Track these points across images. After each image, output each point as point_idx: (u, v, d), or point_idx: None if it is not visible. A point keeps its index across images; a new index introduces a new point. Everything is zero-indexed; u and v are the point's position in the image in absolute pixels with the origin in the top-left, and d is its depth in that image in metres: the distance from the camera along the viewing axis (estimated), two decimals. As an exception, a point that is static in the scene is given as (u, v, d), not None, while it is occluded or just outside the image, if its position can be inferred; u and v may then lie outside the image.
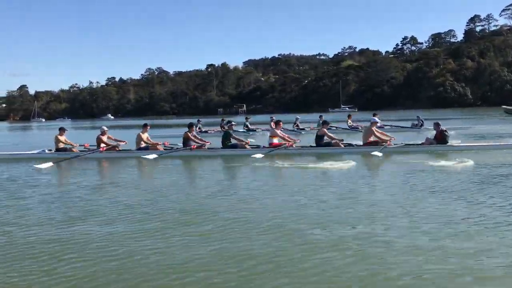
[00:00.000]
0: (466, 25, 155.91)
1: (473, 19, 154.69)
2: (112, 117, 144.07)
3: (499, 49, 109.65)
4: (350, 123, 26.89)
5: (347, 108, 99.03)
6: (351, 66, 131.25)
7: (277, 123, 16.13)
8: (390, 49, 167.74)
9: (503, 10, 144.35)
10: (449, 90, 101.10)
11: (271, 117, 29.46)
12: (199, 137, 16.77)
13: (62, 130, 16.60)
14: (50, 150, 16.27)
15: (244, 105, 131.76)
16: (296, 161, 13.09)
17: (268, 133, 17.69)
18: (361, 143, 15.21)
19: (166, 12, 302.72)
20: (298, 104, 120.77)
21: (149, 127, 16.61)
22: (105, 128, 16.40)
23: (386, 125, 25.54)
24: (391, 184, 9.08)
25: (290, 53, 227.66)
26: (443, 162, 11.42)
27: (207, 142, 16.00)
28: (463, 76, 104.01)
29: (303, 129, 27.33)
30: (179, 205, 7.52)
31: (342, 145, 14.97)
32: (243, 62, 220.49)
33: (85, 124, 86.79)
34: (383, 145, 14.33)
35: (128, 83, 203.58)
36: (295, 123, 28.08)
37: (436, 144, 14.28)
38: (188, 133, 15.75)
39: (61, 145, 16.38)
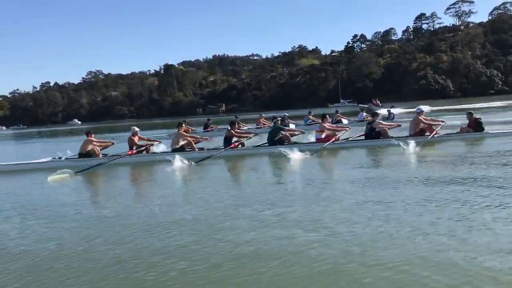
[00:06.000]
0: (414, 23, 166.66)
1: (420, 18, 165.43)
2: (79, 122, 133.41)
3: (465, 43, 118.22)
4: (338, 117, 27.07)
5: (346, 103, 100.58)
6: (326, 62, 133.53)
7: (323, 117, 15.68)
8: (330, 48, 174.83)
9: (448, 9, 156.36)
10: (432, 82, 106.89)
11: (260, 114, 30.08)
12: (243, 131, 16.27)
13: (89, 133, 14.64)
14: (60, 157, 14.39)
15: (224, 105, 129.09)
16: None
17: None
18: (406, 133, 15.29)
19: (95, 14, 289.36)
20: (278, 102, 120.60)
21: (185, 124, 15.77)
22: (136, 129, 14.80)
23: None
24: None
25: (224, 54, 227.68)
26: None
27: (252, 133, 15.84)
28: (441, 69, 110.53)
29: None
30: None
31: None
32: (178, 64, 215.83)
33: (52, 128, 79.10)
34: (428, 135, 14.52)
35: (67, 87, 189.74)
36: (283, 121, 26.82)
37: (473, 132, 14.76)
38: (231, 130, 14.81)
39: (89, 148, 14.26)
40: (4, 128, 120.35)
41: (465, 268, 4.03)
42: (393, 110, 29.21)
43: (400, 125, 15.98)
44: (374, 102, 49.34)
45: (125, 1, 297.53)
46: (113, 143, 15.21)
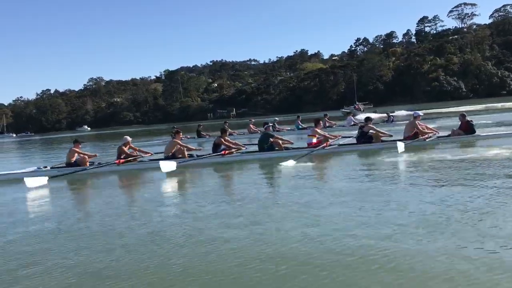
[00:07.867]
0: (417, 26, 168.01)
1: (422, 20, 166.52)
2: (88, 128, 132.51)
3: (474, 45, 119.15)
4: (327, 123, 27.07)
5: (361, 105, 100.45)
6: (335, 66, 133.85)
7: (316, 121, 15.42)
8: (329, 52, 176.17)
9: (450, 11, 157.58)
10: (445, 84, 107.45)
11: (249, 119, 29.95)
12: (233, 141, 15.52)
13: (77, 142, 14.39)
14: (46, 166, 14.14)
15: (234, 109, 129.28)
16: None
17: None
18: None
19: (93, 22, 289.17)
20: (289, 105, 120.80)
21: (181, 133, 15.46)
22: (129, 138, 14.35)
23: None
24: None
25: (222, 60, 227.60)
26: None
27: (243, 147, 14.94)
28: (452, 71, 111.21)
29: (279, 130, 26.31)
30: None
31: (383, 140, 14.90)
32: (176, 70, 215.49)
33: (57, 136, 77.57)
34: (420, 138, 14.41)
35: (68, 94, 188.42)
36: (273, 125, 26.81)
37: (464, 134, 14.67)
38: (221, 138, 14.59)
39: (73, 159, 14.09)
40: (14, 135, 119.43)
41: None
42: (374, 115, 28.66)
43: (391, 135, 15.34)
44: (357, 106, 50.90)
45: (121, 9, 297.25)
46: (95, 155, 15.01)
